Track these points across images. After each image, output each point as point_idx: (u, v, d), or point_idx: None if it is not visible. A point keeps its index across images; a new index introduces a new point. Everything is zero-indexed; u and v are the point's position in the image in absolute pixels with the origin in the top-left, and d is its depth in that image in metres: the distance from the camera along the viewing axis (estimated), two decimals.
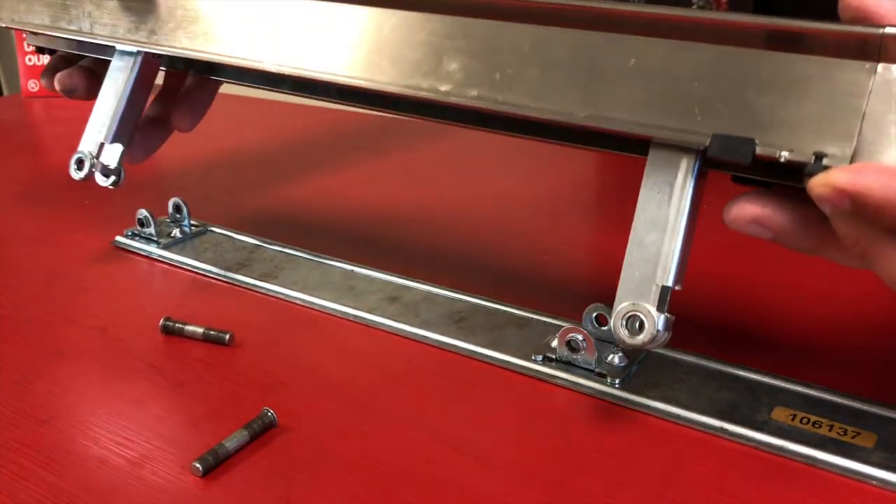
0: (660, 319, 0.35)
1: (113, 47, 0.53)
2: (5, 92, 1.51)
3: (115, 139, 0.52)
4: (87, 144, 0.52)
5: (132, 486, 0.35)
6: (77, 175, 0.52)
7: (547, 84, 0.38)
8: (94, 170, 0.51)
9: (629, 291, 0.36)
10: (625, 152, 0.38)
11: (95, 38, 0.53)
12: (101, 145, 0.52)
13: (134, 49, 0.52)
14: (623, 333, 0.35)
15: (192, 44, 0.49)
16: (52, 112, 1.01)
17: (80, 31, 0.54)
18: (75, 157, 0.52)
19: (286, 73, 0.46)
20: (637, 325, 0.35)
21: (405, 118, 0.46)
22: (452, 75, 0.40)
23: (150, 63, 0.53)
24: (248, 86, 0.52)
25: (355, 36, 0.43)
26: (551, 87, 0.37)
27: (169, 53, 0.50)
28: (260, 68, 0.46)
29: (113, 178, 0.52)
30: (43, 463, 0.36)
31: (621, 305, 0.36)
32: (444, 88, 0.40)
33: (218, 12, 0.48)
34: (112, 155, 0.52)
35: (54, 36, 0.57)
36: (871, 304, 0.48)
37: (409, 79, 0.41)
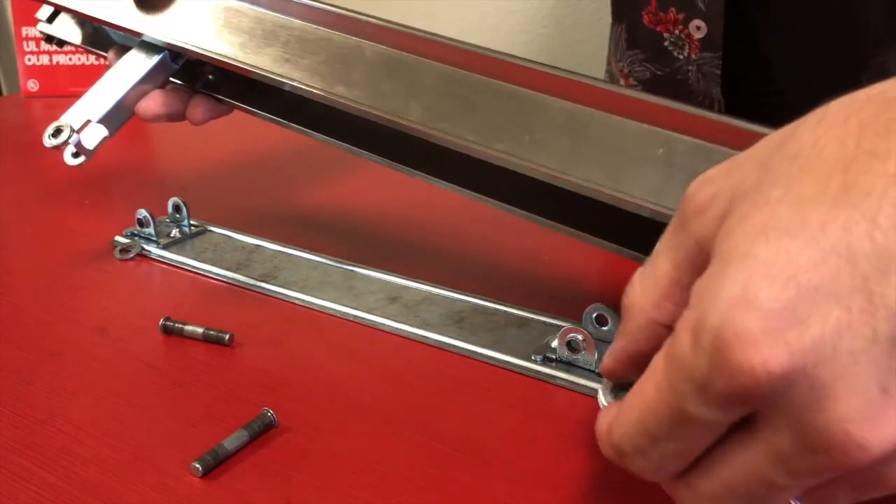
0: None
1: (139, 36, 0.52)
2: (5, 92, 1.51)
3: (102, 122, 0.50)
4: (72, 117, 0.50)
5: (132, 486, 0.35)
6: (50, 142, 0.49)
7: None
8: (68, 142, 0.49)
9: None
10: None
11: (124, 23, 0.52)
12: (87, 123, 0.50)
13: (161, 43, 0.51)
14: None
15: (233, 52, 0.48)
16: (52, 112, 1.00)
17: (108, 12, 0.53)
18: (55, 124, 0.49)
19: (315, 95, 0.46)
20: None
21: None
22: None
23: (167, 64, 0.52)
24: (258, 114, 0.52)
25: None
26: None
27: (199, 54, 0.50)
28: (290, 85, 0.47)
29: (82, 158, 0.50)
30: (43, 463, 0.36)
31: None
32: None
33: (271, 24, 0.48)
34: (93, 136, 0.50)
35: (82, 14, 0.55)
36: None
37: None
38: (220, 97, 0.53)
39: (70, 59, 1.04)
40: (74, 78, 1.04)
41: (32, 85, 1.05)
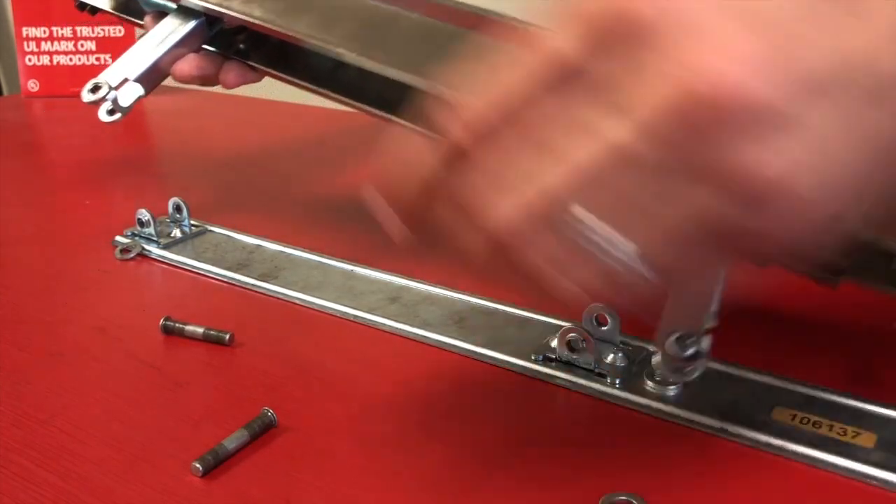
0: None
1: (177, 1, 0.54)
2: (5, 92, 1.51)
3: (138, 80, 0.53)
4: (110, 75, 0.53)
5: (132, 486, 0.35)
6: (88, 97, 0.52)
7: None
8: (105, 98, 0.52)
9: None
10: None
11: None
12: (125, 81, 0.53)
13: (200, 7, 0.53)
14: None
15: (270, 17, 0.50)
16: (52, 112, 1.01)
17: None
18: (94, 81, 0.52)
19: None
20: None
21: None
22: None
23: (203, 30, 0.54)
24: (288, 80, 0.54)
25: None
26: None
27: (235, 19, 0.51)
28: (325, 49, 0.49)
29: (117, 116, 0.53)
30: (43, 463, 0.36)
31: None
32: None
33: None
34: (130, 94, 0.53)
35: None
36: (871, 305, 0.48)
37: None
38: (252, 64, 0.55)
39: (70, 60, 1.04)
40: (74, 78, 1.04)
41: (32, 85, 1.05)
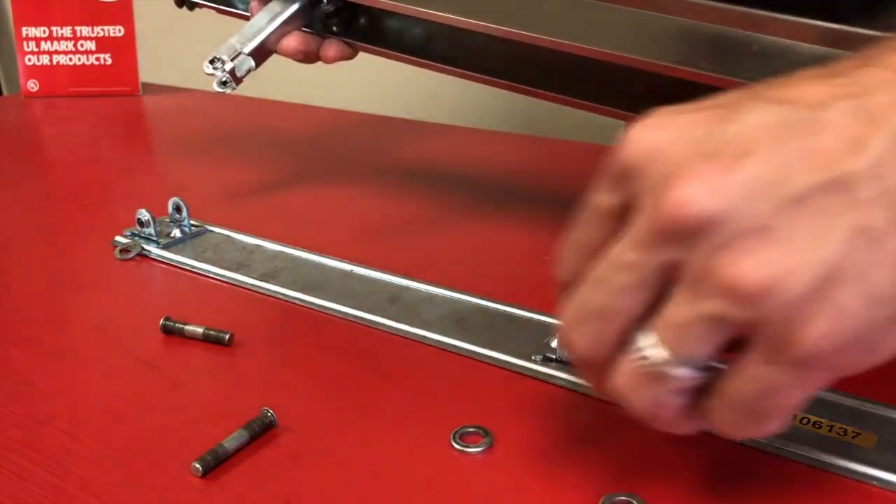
0: None
1: None
2: (5, 92, 1.51)
3: (251, 54, 0.59)
4: (225, 50, 0.59)
5: (132, 486, 0.35)
6: (208, 69, 0.58)
7: None
8: (224, 69, 0.58)
9: None
10: None
11: None
12: (238, 54, 0.58)
13: None
14: None
15: None
16: (52, 112, 1.01)
17: None
18: (213, 55, 0.58)
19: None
20: None
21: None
22: None
23: (306, 11, 0.60)
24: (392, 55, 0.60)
25: None
26: None
27: None
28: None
29: (229, 88, 0.59)
30: (43, 463, 0.36)
31: None
32: None
33: None
34: (243, 66, 0.59)
35: None
36: None
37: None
38: (349, 41, 0.61)
39: (70, 60, 1.04)
40: (74, 78, 1.03)
41: (32, 85, 1.05)
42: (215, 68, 0.58)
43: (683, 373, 0.27)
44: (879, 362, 0.26)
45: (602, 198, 0.29)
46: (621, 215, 0.28)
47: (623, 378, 0.29)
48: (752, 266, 0.25)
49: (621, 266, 0.28)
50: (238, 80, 0.59)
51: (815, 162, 0.25)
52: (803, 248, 0.25)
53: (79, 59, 1.04)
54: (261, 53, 0.60)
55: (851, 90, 0.26)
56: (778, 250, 0.25)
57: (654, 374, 0.28)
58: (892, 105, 0.26)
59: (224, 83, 0.59)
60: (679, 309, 0.27)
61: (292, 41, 0.61)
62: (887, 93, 0.26)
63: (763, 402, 0.27)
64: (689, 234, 0.26)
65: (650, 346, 0.27)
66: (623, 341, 0.28)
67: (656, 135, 0.27)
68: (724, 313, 0.26)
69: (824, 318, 0.25)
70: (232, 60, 0.59)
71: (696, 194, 0.25)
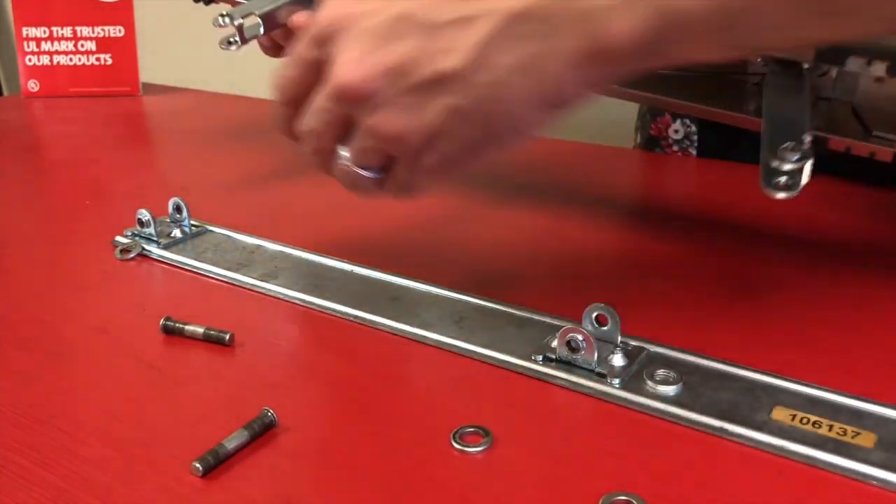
0: None
1: None
2: (5, 92, 1.51)
3: (262, 17, 0.58)
4: (239, 10, 0.59)
5: (132, 486, 0.35)
6: (218, 22, 0.58)
7: None
8: (233, 25, 0.58)
9: None
10: None
11: None
12: (250, 15, 0.58)
13: None
14: None
15: None
16: (52, 112, 1.01)
17: None
18: (226, 11, 0.58)
19: None
20: None
21: None
22: None
23: None
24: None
25: None
26: None
27: None
28: None
29: (234, 47, 0.59)
30: (43, 463, 0.36)
31: None
32: None
33: None
34: (252, 28, 0.58)
35: None
36: (871, 304, 0.48)
37: None
38: None
39: (70, 60, 1.04)
40: (75, 78, 1.04)
41: (32, 85, 1.05)
42: (224, 23, 0.58)
43: (364, 172, 0.45)
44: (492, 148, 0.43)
45: (304, 51, 0.43)
46: (320, 67, 0.42)
47: (338, 171, 0.46)
48: (390, 124, 0.41)
49: (319, 109, 0.43)
50: (244, 40, 0.59)
51: (427, 60, 0.39)
52: (412, 116, 0.40)
53: (79, 60, 1.04)
54: (271, 22, 0.59)
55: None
56: (397, 117, 0.40)
57: (351, 171, 0.45)
58: (485, 19, 0.38)
59: (230, 42, 0.58)
60: (355, 143, 0.43)
61: (304, 16, 0.61)
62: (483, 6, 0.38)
63: (404, 184, 0.45)
64: (350, 99, 0.41)
65: (346, 158, 0.44)
66: (332, 150, 0.45)
67: (343, 10, 0.41)
68: (374, 146, 0.43)
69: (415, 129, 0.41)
70: (243, 18, 0.58)
71: (353, 74, 0.40)
